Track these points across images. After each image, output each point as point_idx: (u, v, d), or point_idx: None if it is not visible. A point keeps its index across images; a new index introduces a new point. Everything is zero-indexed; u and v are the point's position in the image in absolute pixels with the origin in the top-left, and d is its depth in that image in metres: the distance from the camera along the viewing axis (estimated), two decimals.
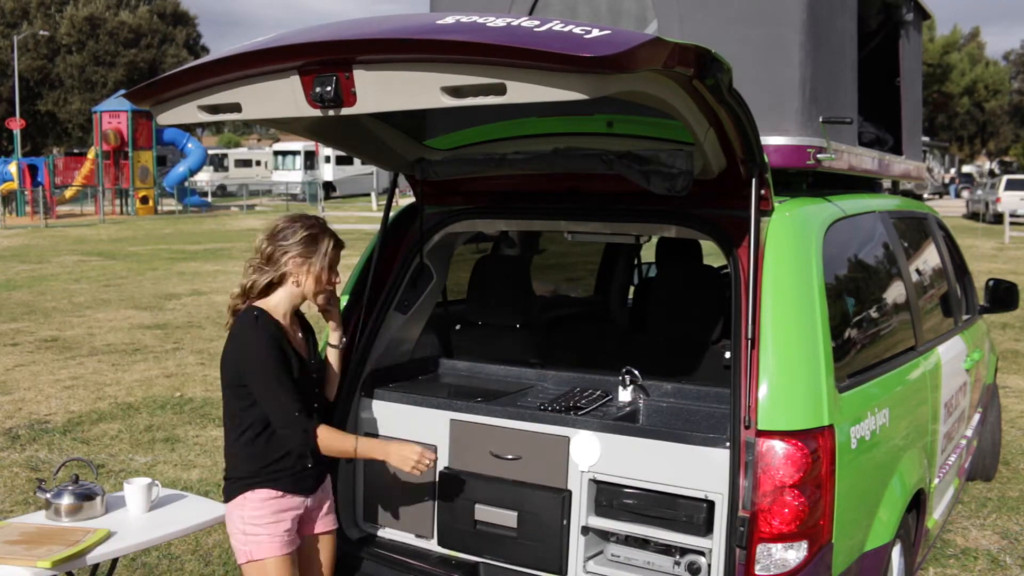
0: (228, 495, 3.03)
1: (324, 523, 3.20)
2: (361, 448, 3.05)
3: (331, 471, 3.29)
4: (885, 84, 4.99)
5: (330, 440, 3.00)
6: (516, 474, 3.29)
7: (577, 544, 3.18)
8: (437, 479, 3.45)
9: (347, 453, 3.06)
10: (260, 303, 2.99)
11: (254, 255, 3.02)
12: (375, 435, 3.57)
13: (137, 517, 3.33)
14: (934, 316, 4.51)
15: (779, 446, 2.78)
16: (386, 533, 3.58)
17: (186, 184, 38.40)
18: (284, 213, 3.18)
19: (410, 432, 3.47)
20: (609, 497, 3.14)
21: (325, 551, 3.21)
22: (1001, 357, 8.99)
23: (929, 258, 4.76)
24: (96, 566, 3.25)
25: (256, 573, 2.97)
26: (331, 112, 2.55)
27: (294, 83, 2.55)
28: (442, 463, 3.45)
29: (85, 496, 3.29)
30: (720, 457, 2.90)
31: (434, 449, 3.37)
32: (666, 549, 3.13)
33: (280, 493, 2.99)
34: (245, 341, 2.93)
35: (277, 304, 3.00)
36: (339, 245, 3.06)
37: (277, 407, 2.91)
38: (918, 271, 4.42)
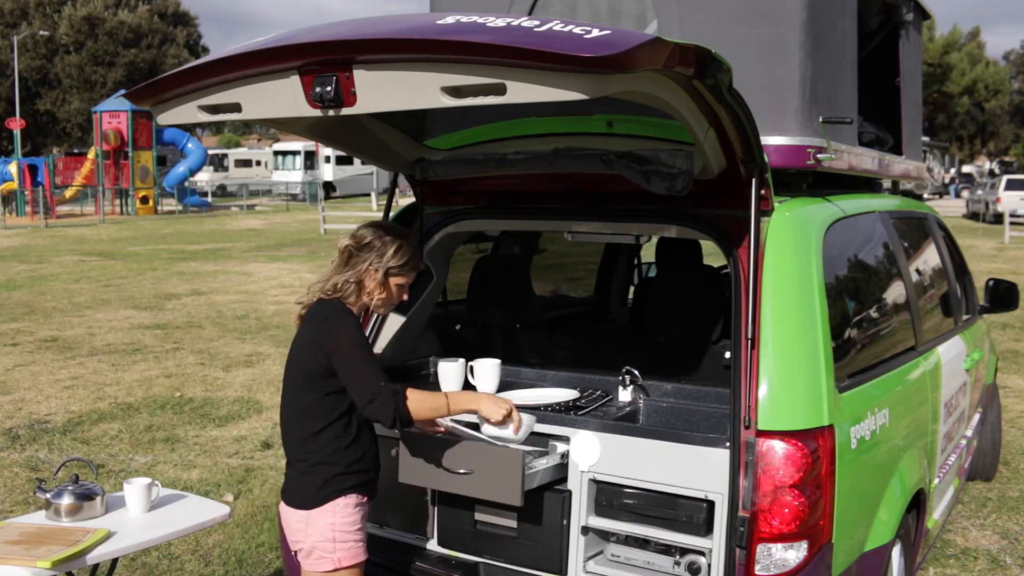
0: (314, 500, 2.92)
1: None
2: (453, 403, 2.94)
3: None
4: (885, 84, 4.99)
5: (420, 401, 2.87)
6: None
7: (577, 544, 3.18)
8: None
9: (440, 411, 2.94)
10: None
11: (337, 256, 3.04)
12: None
13: (137, 517, 3.33)
14: (934, 316, 4.51)
15: (779, 446, 2.78)
16: (386, 533, 3.57)
17: (186, 184, 38.40)
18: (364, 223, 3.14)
19: None
20: (609, 497, 3.13)
21: None
22: (1001, 357, 8.99)
23: (929, 258, 4.76)
24: (96, 566, 3.24)
25: None
26: (331, 112, 2.55)
27: (294, 83, 2.55)
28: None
29: (85, 496, 3.29)
30: (720, 457, 2.90)
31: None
32: (666, 549, 3.13)
33: (365, 498, 3.01)
34: (336, 323, 2.89)
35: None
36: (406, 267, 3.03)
37: (365, 382, 2.83)
38: (918, 271, 4.42)
